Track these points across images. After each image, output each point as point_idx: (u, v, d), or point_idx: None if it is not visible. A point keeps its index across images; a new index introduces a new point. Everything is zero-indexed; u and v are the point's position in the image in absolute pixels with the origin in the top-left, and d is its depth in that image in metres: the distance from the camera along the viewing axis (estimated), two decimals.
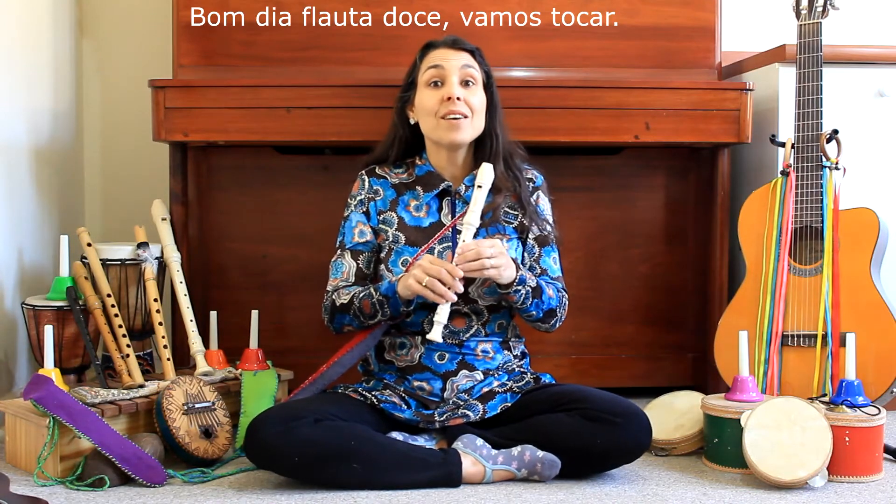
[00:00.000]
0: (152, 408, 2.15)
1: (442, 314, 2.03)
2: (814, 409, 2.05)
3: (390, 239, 2.18)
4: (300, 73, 2.62)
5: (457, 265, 2.02)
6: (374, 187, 2.23)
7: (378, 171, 2.25)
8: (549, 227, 2.25)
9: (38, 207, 2.72)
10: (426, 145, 2.23)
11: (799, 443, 2.00)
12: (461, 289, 2.02)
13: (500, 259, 2.04)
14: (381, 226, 2.20)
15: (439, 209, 2.21)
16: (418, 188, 2.21)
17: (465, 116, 2.14)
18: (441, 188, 2.20)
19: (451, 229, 2.17)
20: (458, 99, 2.12)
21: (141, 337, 2.51)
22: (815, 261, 2.38)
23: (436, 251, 2.15)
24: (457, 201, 2.20)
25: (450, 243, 2.16)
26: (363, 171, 2.26)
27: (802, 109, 2.42)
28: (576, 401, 2.05)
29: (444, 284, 1.99)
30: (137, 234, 2.52)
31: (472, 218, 2.07)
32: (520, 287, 2.09)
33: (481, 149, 2.21)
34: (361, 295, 2.11)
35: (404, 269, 2.14)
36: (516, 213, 2.22)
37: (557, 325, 2.22)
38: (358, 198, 2.24)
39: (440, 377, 2.13)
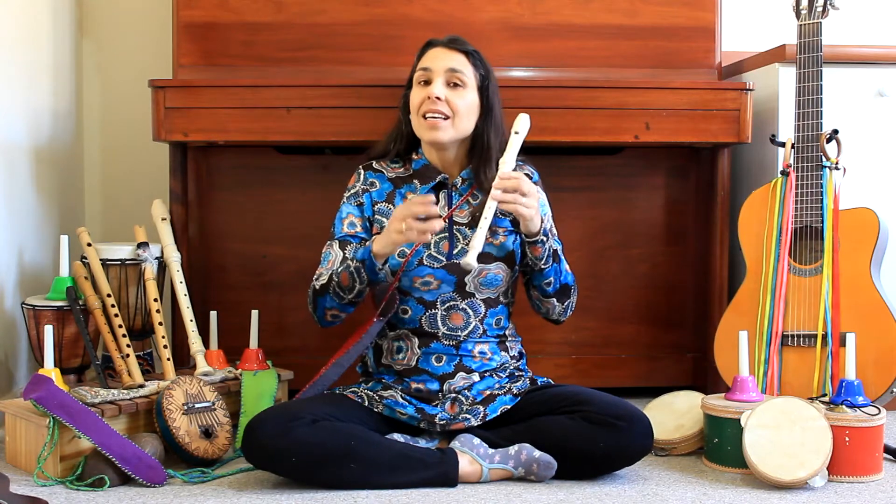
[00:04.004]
0: (152, 408, 2.15)
1: (477, 239, 2.01)
2: (814, 409, 2.05)
3: None
4: (300, 73, 2.62)
5: (494, 188, 2.04)
6: (371, 179, 2.24)
7: (375, 165, 2.26)
8: (550, 223, 2.26)
9: (38, 207, 2.72)
10: (421, 142, 2.24)
11: (799, 443, 2.00)
12: (436, 211, 1.99)
13: (532, 200, 2.05)
14: (376, 216, 2.21)
15: (436, 201, 2.21)
16: (415, 181, 2.22)
17: (446, 117, 2.14)
18: (438, 181, 2.21)
19: (447, 220, 2.18)
20: (437, 98, 2.13)
21: (141, 337, 2.51)
22: (815, 261, 2.39)
23: (432, 241, 2.16)
24: (453, 194, 2.21)
25: (447, 234, 2.17)
26: (360, 166, 2.27)
27: (802, 109, 2.42)
28: (578, 403, 2.05)
29: (422, 222, 1.98)
30: (137, 234, 2.52)
31: (507, 157, 2.10)
32: (545, 238, 2.11)
33: (475, 148, 2.21)
34: (339, 269, 2.11)
35: (401, 259, 2.14)
36: None
37: (569, 313, 2.24)
38: (352, 190, 2.25)
39: (437, 379, 2.13)
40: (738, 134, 2.57)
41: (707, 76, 2.73)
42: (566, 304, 2.21)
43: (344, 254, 2.17)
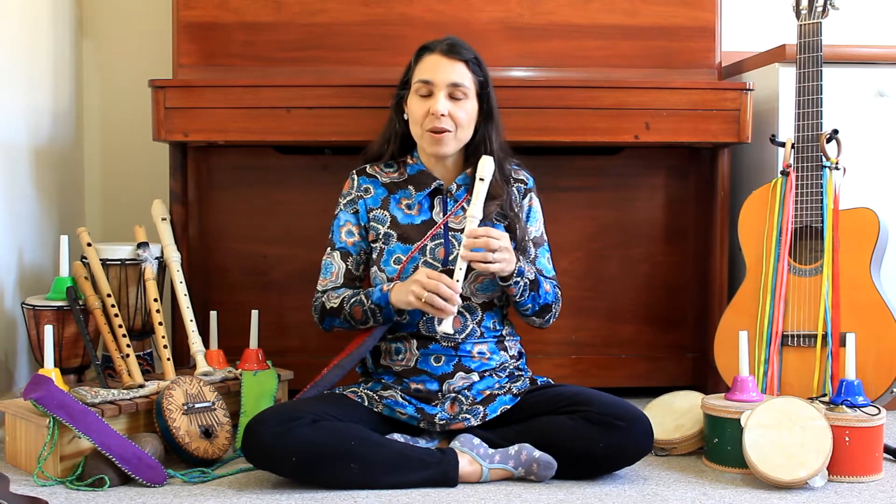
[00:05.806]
0: (152, 408, 2.15)
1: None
2: (814, 409, 2.05)
3: (381, 237, 2.19)
4: (300, 73, 2.62)
5: (464, 247, 2.03)
6: (364, 185, 2.24)
7: (369, 170, 2.26)
8: (541, 229, 2.28)
9: (38, 207, 2.72)
10: (417, 145, 2.24)
11: (799, 443, 2.00)
12: (460, 301, 2.04)
13: (504, 254, 2.05)
14: (371, 223, 2.21)
15: (431, 207, 2.21)
16: (410, 187, 2.22)
17: (449, 131, 2.14)
18: (433, 187, 2.20)
19: (443, 227, 2.18)
20: (442, 115, 2.13)
21: (141, 337, 2.51)
22: (815, 261, 2.38)
23: (428, 248, 2.16)
24: (448, 199, 2.21)
25: (442, 240, 2.17)
26: (353, 171, 2.27)
27: (802, 109, 2.42)
28: (578, 403, 2.06)
29: (443, 298, 2.00)
30: (137, 234, 2.52)
31: (474, 210, 2.08)
32: (518, 279, 2.11)
33: (474, 152, 2.21)
34: (352, 301, 2.12)
35: (397, 266, 2.14)
36: (504, 212, 2.23)
37: (551, 321, 2.26)
38: (348, 197, 2.25)
39: (436, 379, 2.13)
40: (738, 134, 2.57)
41: (707, 76, 2.73)
42: (546, 317, 2.23)
43: (347, 265, 2.19)
